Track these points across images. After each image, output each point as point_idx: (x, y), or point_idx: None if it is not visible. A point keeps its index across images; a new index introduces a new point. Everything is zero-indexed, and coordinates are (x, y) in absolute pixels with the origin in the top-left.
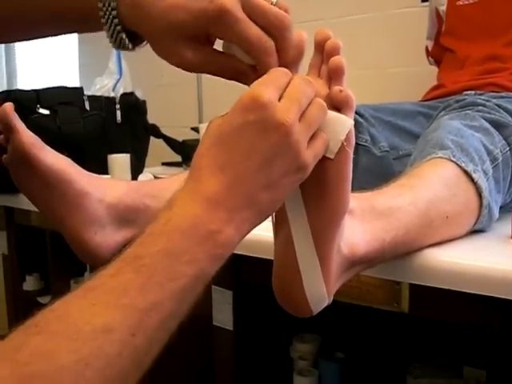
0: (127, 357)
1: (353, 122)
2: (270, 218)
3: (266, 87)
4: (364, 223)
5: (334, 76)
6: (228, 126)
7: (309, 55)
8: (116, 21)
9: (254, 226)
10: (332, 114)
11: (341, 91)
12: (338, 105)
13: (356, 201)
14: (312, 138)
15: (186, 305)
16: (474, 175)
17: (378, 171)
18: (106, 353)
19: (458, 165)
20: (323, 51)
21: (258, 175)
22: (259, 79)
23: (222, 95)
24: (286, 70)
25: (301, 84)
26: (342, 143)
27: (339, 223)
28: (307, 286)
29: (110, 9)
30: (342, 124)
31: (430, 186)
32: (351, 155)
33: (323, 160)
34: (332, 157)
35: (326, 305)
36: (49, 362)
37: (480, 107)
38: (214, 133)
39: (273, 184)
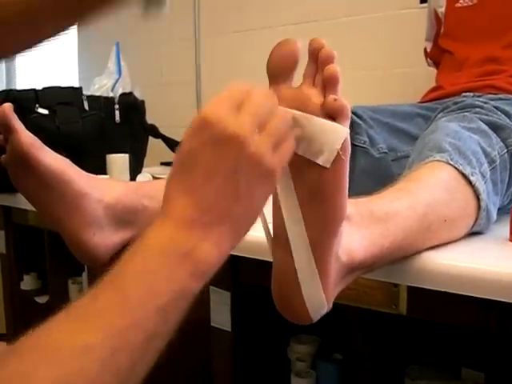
0: (110, 375)
1: (348, 131)
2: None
3: (218, 104)
4: (362, 229)
5: (328, 85)
6: (185, 150)
7: (303, 64)
8: None
9: (235, 241)
10: (327, 123)
11: (335, 100)
12: (332, 114)
13: (353, 206)
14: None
15: (170, 323)
16: (471, 178)
17: (376, 173)
18: (86, 373)
19: (455, 168)
20: (317, 60)
21: (224, 191)
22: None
23: None
24: (243, 85)
25: (259, 98)
26: (338, 152)
27: (337, 231)
28: (306, 294)
29: None
30: (337, 133)
31: (428, 190)
32: (347, 164)
33: (319, 169)
34: (328, 166)
35: (325, 312)
36: (26, 382)
37: (478, 109)
38: (175, 159)
39: (242, 196)
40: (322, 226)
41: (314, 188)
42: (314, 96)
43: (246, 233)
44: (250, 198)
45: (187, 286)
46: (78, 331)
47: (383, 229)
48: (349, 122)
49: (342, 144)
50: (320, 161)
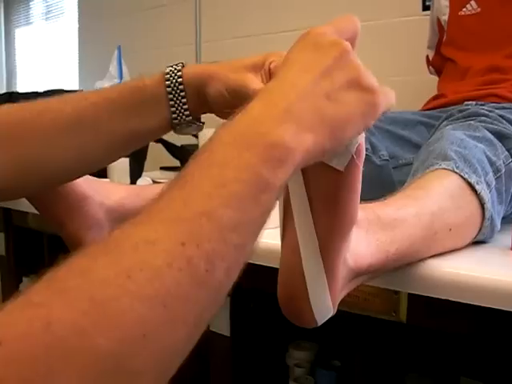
0: (180, 269)
1: (363, 135)
2: (277, 225)
3: (326, 27)
4: (369, 234)
5: None
6: (287, 56)
7: None
8: (186, 112)
9: (317, 140)
10: None
11: None
12: None
13: (362, 212)
14: None
15: (248, 214)
16: (477, 187)
17: (377, 180)
18: (150, 264)
19: (461, 176)
20: None
21: (317, 83)
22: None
23: None
24: (353, 18)
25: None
26: (352, 156)
27: (346, 236)
28: (312, 297)
29: (182, 110)
30: None
31: (434, 198)
32: (361, 168)
33: (333, 172)
34: (342, 169)
35: (330, 316)
36: (85, 276)
37: (483, 118)
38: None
39: (333, 95)
40: (333, 229)
41: (327, 191)
42: None
43: (335, 141)
44: (340, 101)
45: (261, 173)
46: (138, 228)
47: (390, 235)
48: None
49: (357, 148)
50: (334, 164)
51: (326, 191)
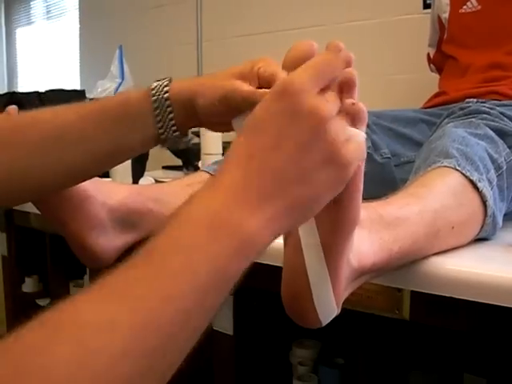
0: (134, 357)
1: (365, 136)
2: None
3: (302, 74)
4: (372, 233)
5: (345, 89)
6: (259, 115)
7: None
8: (173, 128)
9: (289, 225)
10: None
11: (353, 104)
12: (350, 118)
13: (365, 211)
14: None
15: (207, 305)
16: (479, 184)
17: (379, 178)
18: (109, 350)
19: (463, 174)
20: None
21: (290, 163)
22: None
23: None
24: (333, 56)
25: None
26: None
27: (349, 235)
28: (316, 297)
29: (169, 126)
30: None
31: (436, 196)
32: (362, 167)
33: None
34: None
35: (334, 315)
36: (44, 354)
37: (484, 115)
38: (246, 123)
39: (306, 177)
40: (336, 229)
41: None
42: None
43: (302, 220)
44: (312, 184)
45: (228, 266)
46: (104, 305)
47: (392, 234)
48: (365, 126)
49: None
50: None
51: None
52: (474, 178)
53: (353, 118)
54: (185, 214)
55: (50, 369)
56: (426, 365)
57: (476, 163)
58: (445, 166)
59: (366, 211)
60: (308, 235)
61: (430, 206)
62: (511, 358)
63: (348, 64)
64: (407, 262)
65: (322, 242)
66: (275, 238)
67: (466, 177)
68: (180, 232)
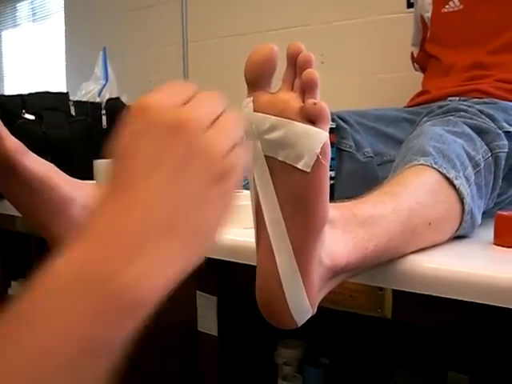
0: None
1: (327, 135)
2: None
3: (159, 93)
4: (345, 233)
5: (307, 89)
6: (123, 143)
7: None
8: None
9: (183, 262)
10: (306, 127)
11: (315, 104)
12: (312, 118)
13: (337, 211)
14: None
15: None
16: (455, 182)
17: (362, 177)
18: None
19: (439, 172)
20: (296, 65)
21: (169, 190)
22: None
23: None
24: (183, 85)
25: (205, 96)
26: (318, 156)
27: (319, 235)
28: (290, 299)
29: None
30: (317, 137)
31: (412, 193)
32: (327, 168)
33: (300, 174)
34: (308, 170)
35: (309, 316)
36: None
37: (462, 113)
38: (112, 158)
39: (193, 198)
40: (304, 230)
41: (296, 192)
42: (293, 100)
43: (200, 250)
44: (202, 203)
45: (99, 333)
46: None
47: (367, 232)
48: (328, 125)
49: (322, 148)
50: (300, 165)
51: (294, 193)
52: (451, 175)
53: (315, 117)
54: (51, 273)
55: None
56: (410, 363)
57: (453, 161)
58: (421, 164)
59: (340, 211)
60: (278, 238)
61: (405, 204)
62: (493, 354)
63: (309, 64)
64: (385, 260)
65: (292, 242)
66: (167, 283)
67: (443, 174)
68: (34, 300)
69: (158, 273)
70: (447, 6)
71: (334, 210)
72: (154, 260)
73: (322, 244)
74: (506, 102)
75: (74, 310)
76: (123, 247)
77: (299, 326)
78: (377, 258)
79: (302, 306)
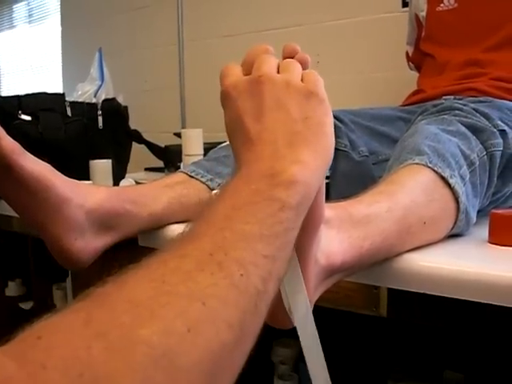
0: (212, 273)
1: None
2: None
3: (231, 70)
4: (341, 232)
5: None
6: (227, 115)
7: None
8: None
9: (313, 157)
10: None
11: None
12: None
13: (333, 210)
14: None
15: (269, 229)
16: (450, 180)
17: (357, 176)
18: (182, 269)
19: (434, 170)
20: None
21: (277, 117)
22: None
23: (205, 101)
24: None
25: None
26: None
27: (314, 235)
28: (286, 298)
29: None
30: None
31: (407, 192)
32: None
33: None
34: None
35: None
36: (121, 286)
37: (457, 111)
38: (226, 128)
39: (298, 116)
40: (300, 229)
41: None
42: None
43: (323, 150)
44: (307, 118)
45: (271, 196)
46: (167, 248)
47: (362, 231)
48: None
49: None
50: None
51: None
52: (446, 174)
53: None
54: (237, 177)
55: (130, 293)
56: (406, 361)
57: (448, 160)
58: (416, 163)
59: (335, 210)
60: None
61: (400, 203)
62: (488, 353)
63: (305, 65)
64: (381, 259)
65: None
66: (310, 171)
67: (438, 173)
68: (236, 192)
69: (299, 164)
70: (442, 5)
71: (330, 210)
72: (293, 158)
73: (317, 244)
74: (501, 101)
75: (252, 187)
76: (270, 157)
77: (295, 325)
78: (372, 257)
79: (298, 305)
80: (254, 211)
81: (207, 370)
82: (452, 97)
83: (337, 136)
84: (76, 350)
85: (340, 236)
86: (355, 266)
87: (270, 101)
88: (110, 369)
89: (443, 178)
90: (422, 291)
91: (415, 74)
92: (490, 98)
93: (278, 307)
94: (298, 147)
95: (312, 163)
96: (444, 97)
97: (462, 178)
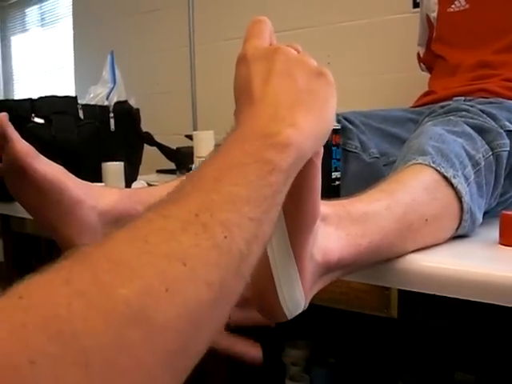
0: (196, 234)
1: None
2: None
3: (251, 40)
4: (339, 229)
5: None
6: (238, 74)
7: None
8: None
9: (310, 121)
10: None
11: None
12: None
13: (331, 208)
14: None
15: (257, 192)
16: (453, 180)
17: (367, 178)
18: (165, 229)
19: (437, 170)
20: None
21: (283, 84)
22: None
23: (216, 103)
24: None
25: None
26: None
27: (309, 231)
28: (280, 292)
29: None
30: None
31: (408, 191)
32: (319, 166)
33: None
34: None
35: (301, 310)
36: (102, 245)
37: (463, 113)
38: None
39: (304, 88)
40: (296, 225)
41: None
42: None
43: (322, 120)
44: (312, 91)
45: (263, 157)
46: (153, 209)
47: (361, 229)
48: None
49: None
50: None
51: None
52: (449, 174)
53: None
54: (231, 135)
55: (111, 252)
56: (417, 363)
57: (452, 160)
58: (419, 163)
59: (334, 208)
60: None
61: (400, 201)
62: (498, 354)
63: None
64: (382, 258)
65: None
66: (305, 134)
67: (441, 173)
68: (227, 149)
69: (294, 127)
70: (453, 6)
71: (328, 207)
72: (291, 121)
73: (313, 240)
74: (511, 102)
75: (245, 147)
76: (267, 117)
77: (289, 319)
78: (372, 255)
79: (292, 299)
80: (243, 173)
81: (184, 329)
82: (462, 98)
83: (347, 137)
84: (56, 307)
85: (338, 233)
86: (354, 264)
87: (280, 68)
88: (88, 325)
89: (446, 178)
90: (432, 293)
91: (425, 76)
92: (501, 99)
93: (273, 302)
94: (298, 112)
95: (308, 129)
96: (454, 98)
97: (466, 178)
